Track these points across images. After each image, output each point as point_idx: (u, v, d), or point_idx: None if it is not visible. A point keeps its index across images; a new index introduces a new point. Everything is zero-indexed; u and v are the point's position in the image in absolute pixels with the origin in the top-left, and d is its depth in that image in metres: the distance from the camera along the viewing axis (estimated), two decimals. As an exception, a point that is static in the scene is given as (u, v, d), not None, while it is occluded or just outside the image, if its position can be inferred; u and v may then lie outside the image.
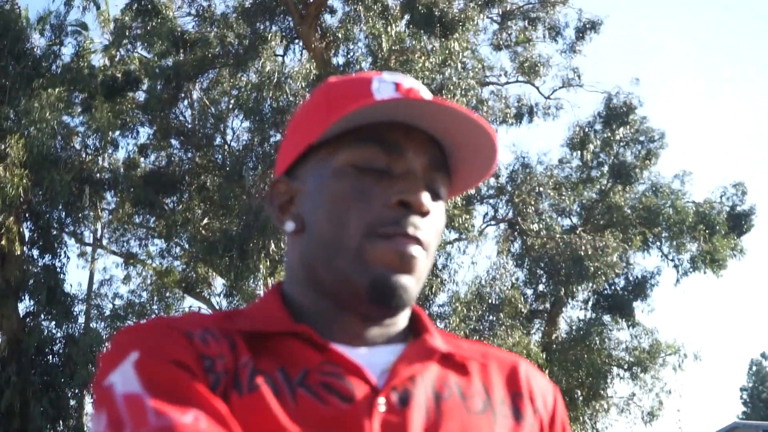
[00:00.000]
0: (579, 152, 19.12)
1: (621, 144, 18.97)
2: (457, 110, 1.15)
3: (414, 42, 16.70)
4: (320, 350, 1.16)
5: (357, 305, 1.19)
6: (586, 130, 18.88)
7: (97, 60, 20.37)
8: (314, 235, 1.21)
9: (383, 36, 16.54)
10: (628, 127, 18.60)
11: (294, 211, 1.26)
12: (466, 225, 18.02)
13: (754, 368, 55.94)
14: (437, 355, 1.22)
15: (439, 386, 1.20)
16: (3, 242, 17.43)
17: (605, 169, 19.24)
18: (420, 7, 15.96)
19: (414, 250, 1.16)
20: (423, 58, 16.64)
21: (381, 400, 1.12)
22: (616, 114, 18.46)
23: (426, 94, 1.23)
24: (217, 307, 21.45)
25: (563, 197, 19.00)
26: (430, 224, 1.20)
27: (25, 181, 16.76)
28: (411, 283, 1.18)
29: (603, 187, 19.21)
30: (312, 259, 1.21)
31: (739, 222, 19.38)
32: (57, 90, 16.97)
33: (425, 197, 1.17)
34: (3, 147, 16.69)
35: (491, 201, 19.57)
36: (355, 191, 1.18)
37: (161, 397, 1.04)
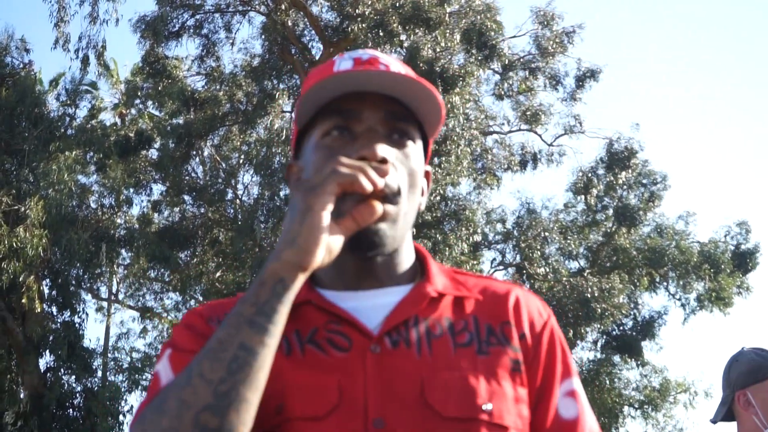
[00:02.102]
0: (583, 197, 20.08)
1: (624, 187, 19.91)
2: (393, 74, 1.40)
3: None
4: (326, 312, 1.43)
5: (349, 254, 1.43)
6: (590, 175, 19.88)
7: (108, 118, 21.56)
8: None
9: (387, 91, 17.65)
10: (630, 170, 19.55)
11: None
12: (474, 271, 19.02)
13: None
14: (431, 297, 1.46)
15: (432, 325, 1.44)
16: (24, 300, 18.53)
17: (610, 212, 20.15)
18: (421, 64, 17.05)
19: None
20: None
21: (374, 347, 1.39)
22: (618, 159, 19.45)
23: (386, 61, 1.50)
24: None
25: (569, 241, 19.96)
26: (396, 170, 1.42)
27: (44, 241, 17.86)
28: (383, 229, 1.41)
29: (608, 230, 20.13)
30: None
31: (744, 260, 20.20)
32: (74, 153, 18.17)
33: (381, 148, 1.39)
34: (23, 209, 17.82)
35: (498, 246, 20.60)
36: (325, 157, 1.44)
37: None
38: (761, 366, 3.05)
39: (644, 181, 20.03)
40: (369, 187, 1.32)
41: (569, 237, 20.01)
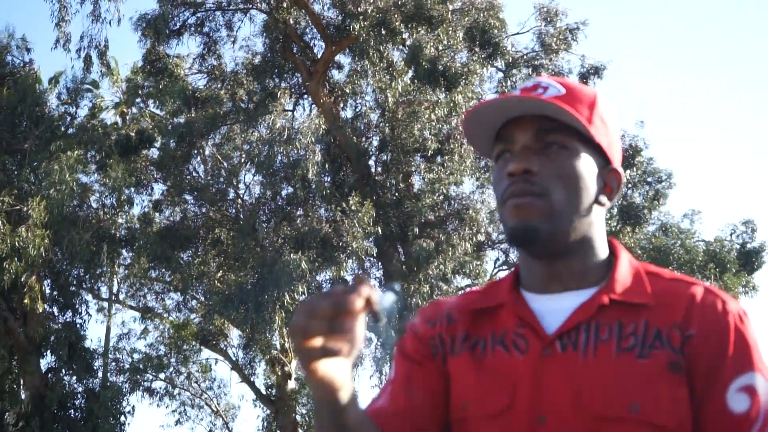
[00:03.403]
0: (587, 195, 20.29)
1: (629, 186, 20.13)
2: (533, 98, 1.62)
3: (419, 95, 18.04)
4: (517, 315, 1.65)
5: (527, 258, 1.69)
6: (594, 173, 20.09)
7: (109, 118, 21.81)
8: None
9: (389, 90, 17.92)
10: (635, 168, 19.77)
11: None
12: (478, 270, 19.24)
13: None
14: (609, 305, 1.60)
15: (602, 328, 1.58)
16: (25, 301, 18.84)
17: (614, 210, 20.34)
18: (424, 63, 17.29)
19: (522, 200, 1.60)
20: (429, 109, 17.98)
21: (545, 350, 1.59)
22: (622, 157, 19.68)
23: (546, 83, 1.69)
24: (234, 359, 22.71)
25: (574, 240, 20.17)
26: (543, 176, 1.61)
27: (45, 241, 18.14)
28: (537, 224, 1.61)
29: (613, 229, 20.32)
30: None
31: (749, 259, 20.41)
32: (75, 152, 18.43)
33: (522, 161, 1.61)
34: (25, 209, 18.10)
35: (502, 246, 20.83)
36: (496, 176, 1.69)
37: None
38: None
39: (649, 180, 20.26)
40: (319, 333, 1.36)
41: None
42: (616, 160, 1.72)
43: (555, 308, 1.62)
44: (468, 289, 1.79)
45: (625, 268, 1.66)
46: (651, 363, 1.53)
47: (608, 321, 1.58)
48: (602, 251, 1.68)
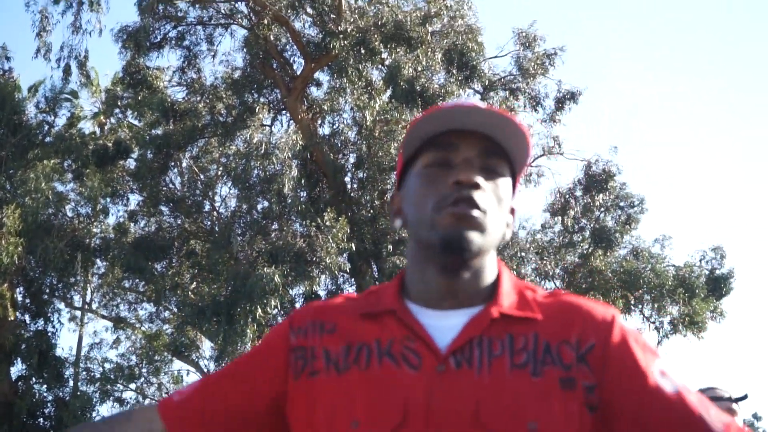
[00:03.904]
0: (560, 218, 20.59)
1: (601, 210, 20.40)
2: (487, 111, 1.63)
3: (397, 114, 18.28)
4: (405, 326, 1.63)
5: (437, 261, 1.65)
6: (567, 196, 20.40)
7: (87, 127, 21.92)
8: (409, 222, 1.70)
9: (367, 108, 18.16)
10: (607, 193, 20.06)
11: (402, 213, 1.75)
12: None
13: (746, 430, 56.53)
14: (498, 318, 1.62)
15: (495, 344, 1.60)
16: (-3, 308, 18.88)
17: (586, 233, 20.62)
18: (402, 83, 17.54)
19: (469, 211, 1.60)
20: (405, 129, 18.22)
21: (440, 366, 1.57)
22: (595, 181, 19.98)
23: (483, 106, 1.66)
24: (205, 371, 22.78)
25: (546, 261, 20.45)
26: (485, 194, 1.63)
27: (19, 248, 18.20)
28: (474, 236, 1.61)
29: (584, 252, 20.60)
30: (411, 240, 1.71)
31: (718, 285, 20.63)
32: (52, 162, 18.53)
33: (475, 175, 1.62)
34: (-1, 216, 18.18)
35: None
36: (427, 182, 1.66)
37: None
38: None
39: (621, 204, 20.52)
40: None
41: (546, 257, 20.50)
42: (515, 194, 1.78)
43: (445, 324, 1.63)
44: (345, 293, 1.77)
45: (508, 283, 1.70)
46: (544, 381, 1.56)
47: (499, 335, 1.60)
48: (495, 271, 1.72)
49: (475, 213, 1.60)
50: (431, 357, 1.58)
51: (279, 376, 1.70)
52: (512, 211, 1.76)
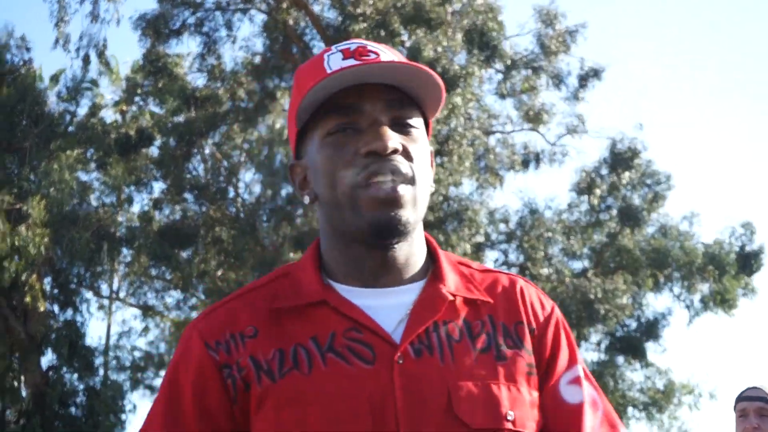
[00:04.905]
0: (586, 197, 20.47)
1: (628, 188, 20.26)
2: (388, 63, 1.47)
3: (418, 96, 18.18)
4: (344, 317, 1.46)
5: (367, 244, 1.48)
6: (593, 175, 20.26)
7: (109, 116, 22.01)
8: (323, 200, 1.52)
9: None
10: (633, 171, 19.90)
11: (308, 186, 1.56)
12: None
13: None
14: (448, 300, 1.49)
15: (451, 328, 1.47)
16: (27, 299, 19.07)
17: (614, 212, 20.49)
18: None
19: (394, 189, 1.44)
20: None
21: (399, 357, 1.42)
22: (621, 159, 19.81)
23: (376, 49, 1.52)
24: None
25: (572, 241, 20.36)
26: (405, 157, 1.47)
27: (45, 239, 18.37)
28: (405, 215, 1.45)
29: (612, 231, 20.47)
30: (328, 219, 1.53)
31: (748, 261, 20.47)
32: (75, 151, 18.66)
33: (389, 139, 1.44)
34: (25, 208, 18.31)
35: (501, 247, 21.01)
36: (335, 155, 1.47)
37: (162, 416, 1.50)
38: None
39: (648, 182, 20.37)
40: None
41: (572, 237, 20.41)
42: (429, 136, 1.62)
43: (386, 305, 1.48)
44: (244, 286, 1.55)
45: (446, 260, 1.58)
46: (510, 366, 1.48)
47: (453, 318, 1.49)
48: (424, 240, 1.59)
49: (401, 190, 1.45)
50: (386, 347, 1.43)
51: (227, 409, 1.47)
52: (431, 156, 1.59)
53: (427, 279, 1.52)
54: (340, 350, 1.43)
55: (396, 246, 1.49)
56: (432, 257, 1.57)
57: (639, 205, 20.28)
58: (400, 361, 1.42)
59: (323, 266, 1.54)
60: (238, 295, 1.56)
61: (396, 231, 1.45)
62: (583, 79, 19.79)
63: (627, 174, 19.86)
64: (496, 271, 1.60)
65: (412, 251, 1.52)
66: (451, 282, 1.52)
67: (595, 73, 19.76)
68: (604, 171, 20.28)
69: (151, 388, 24.23)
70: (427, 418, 1.39)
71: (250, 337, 1.47)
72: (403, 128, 1.49)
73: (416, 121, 1.52)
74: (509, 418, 1.43)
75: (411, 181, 1.46)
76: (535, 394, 1.49)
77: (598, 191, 20.22)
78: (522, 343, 1.50)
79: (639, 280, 20.19)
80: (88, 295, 22.24)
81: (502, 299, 1.54)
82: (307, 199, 1.56)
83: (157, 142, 20.46)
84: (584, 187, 20.40)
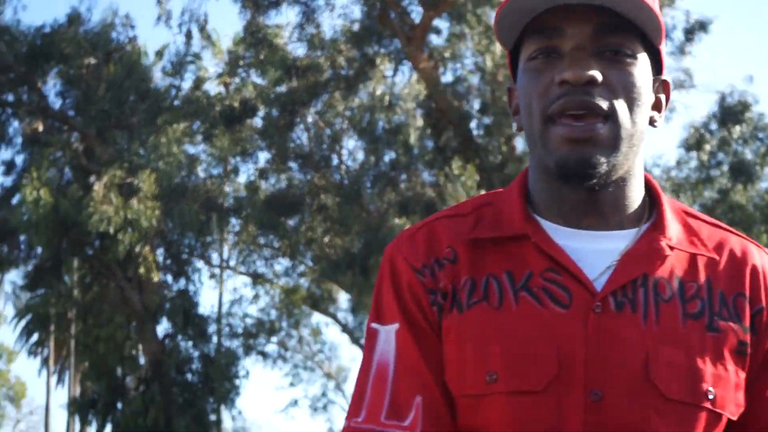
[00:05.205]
0: (696, 153, 20.00)
1: (739, 142, 19.73)
2: None
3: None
4: (545, 256, 1.33)
5: (562, 185, 1.35)
6: (702, 130, 19.77)
7: (213, 88, 22.39)
8: (525, 129, 1.39)
9: (487, 53, 17.96)
10: (744, 125, 19.36)
11: (519, 113, 1.42)
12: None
13: None
14: (665, 254, 1.34)
15: (662, 285, 1.32)
16: (141, 270, 19.67)
17: (725, 168, 19.99)
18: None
19: (585, 128, 1.29)
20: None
21: (597, 306, 1.29)
22: (731, 113, 19.26)
23: None
24: (344, 323, 23.29)
25: (682, 198, 19.93)
26: (608, 89, 1.31)
27: (157, 212, 18.89)
28: (598, 159, 1.29)
29: (723, 187, 19.99)
30: (530, 149, 1.39)
31: None
32: (182, 125, 19.08)
33: (586, 68, 1.29)
34: (136, 182, 18.84)
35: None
36: (533, 81, 1.34)
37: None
38: None
39: (760, 135, 19.78)
40: None
41: (682, 194, 19.98)
42: (664, 67, 1.45)
43: (592, 250, 1.35)
44: (446, 209, 1.44)
45: (669, 208, 1.41)
46: (721, 339, 1.32)
47: (666, 275, 1.34)
48: (642, 182, 1.43)
49: (594, 126, 1.29)
50: (585, 294, 1.31)
51: (437, 333, 1.37)
52: (665, 87, 1.45)
53: (646, 227, 1.38)
54: (535, 290, 1.32)
55: (599, 187, 1.34)
56: (653, 203, 1.42)
57: (751, 160, 19.72)
58: (597, 311, 1.29)
59: (529, 198, 1.42)
60: (437, 218, 1.45)
61: (585, 175, 1.30)
62: (689, 33, 19.24)
63: (738, 128, 19.32)
64: (729, 230, 1.43)
65: (623, 194, 1.37)
66: (673, 233, 1.37)
67: (702, 26, 19.18)
68: (714, 126, 19.76)
69: (263, 354, 24.74)
70: (617, 376, 1.28)
71: (450, 262, 1.38)
72: (612, 57, 1.32)
73: (633, 49, 1.34)
74: (710, 396, 1.29)
75: (609, 118, 1.30)
76: (743, 375, 1.33)
77: (707, 147, 19.73)
78: (739, 318, 1.34)
79: (753, 236, 19.67)
80: (200, 264, 22.83)
81: (727, 265, 1.37)
82: (515, 127, 1.45)
83: (261, 112, 20.73)
84: (693, 143, 19.93)
